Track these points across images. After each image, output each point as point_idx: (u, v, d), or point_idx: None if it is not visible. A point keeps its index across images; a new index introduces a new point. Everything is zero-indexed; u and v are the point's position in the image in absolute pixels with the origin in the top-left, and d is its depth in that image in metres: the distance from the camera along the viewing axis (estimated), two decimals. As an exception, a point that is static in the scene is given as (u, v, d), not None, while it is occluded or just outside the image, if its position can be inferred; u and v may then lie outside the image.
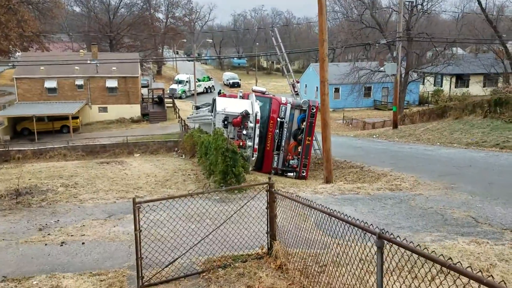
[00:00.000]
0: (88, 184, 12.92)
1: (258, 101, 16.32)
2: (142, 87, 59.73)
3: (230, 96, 18.73)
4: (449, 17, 63.16)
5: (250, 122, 15.67)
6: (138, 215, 6.11)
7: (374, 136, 30.91)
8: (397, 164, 15.73)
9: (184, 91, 69.69)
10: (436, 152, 19.14)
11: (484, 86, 62.21)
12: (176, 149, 28.57)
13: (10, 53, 64.58)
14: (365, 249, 4.96)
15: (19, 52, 60.78)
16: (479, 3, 40.61)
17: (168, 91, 64.32)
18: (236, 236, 7.16)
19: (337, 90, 58.96)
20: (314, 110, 16.88)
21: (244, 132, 15.56)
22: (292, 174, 16.97)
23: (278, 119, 17.11)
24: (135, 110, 49.92)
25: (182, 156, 26.63)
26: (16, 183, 12.18)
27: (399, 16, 31.10)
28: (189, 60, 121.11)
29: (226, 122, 15.53)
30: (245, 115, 15.39)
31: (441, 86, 62.35)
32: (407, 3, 39.65)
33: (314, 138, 18.03)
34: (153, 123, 49.22)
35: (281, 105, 17.16)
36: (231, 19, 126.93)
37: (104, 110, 48.45)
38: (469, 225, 8.15)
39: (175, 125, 46.18)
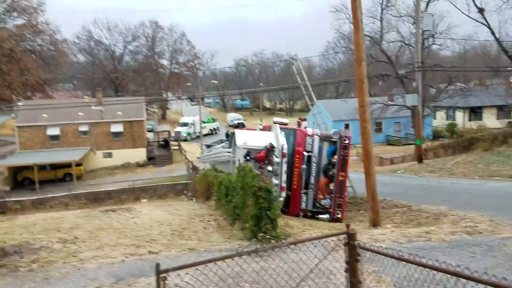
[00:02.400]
0: (91, 238, 10.71)
1: (283, 133, 14.35)
2: (148, 131, 58.40)
3: (249, 130, 16.77)
4: (450, 53, 62.06)
5: (276, 156, 13.64)
6: (165, 292, 3.99)
7: (398, 171, 28.67)
8: (450, 201, 13.52)
9: (189, 134, 68.45)
10: (484, 186, 16.96)
11: (497, 118, 60.55)
12: (185, 192, 26.44)
13: (13, 102, 63.68)
14: None
15: (22, 101, 59.79)
16: (492, 33, 39.39)
17: (173, 134, 62.95)
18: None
19: (347, 126, 57.20)
20: (347, 141, 14.85)
21: (269, 168, 13.48)
22: (325, 216, 14.72)
23: (305, 153, 15.03)
24: (140, 154, 48.16)
25: (192, 199, 24.47)
26: (3, 240, 10.05)
27: (417, 46, 29.73)
28: (193, 98, 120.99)
29: (248, 158, 13.49)
30: (270, 149, 13.37)
31: (454, 120, 60.58)
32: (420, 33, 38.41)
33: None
34: (159, 166, 47.39)
35: (307, 137, 15.14)
36: (233, 63, 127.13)
37: (109, 155, 46.69)
38: None
39: (181, 168, 44.25)
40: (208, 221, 12.64)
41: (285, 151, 13.59)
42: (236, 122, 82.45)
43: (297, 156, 14.94)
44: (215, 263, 4.50)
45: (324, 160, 15.22)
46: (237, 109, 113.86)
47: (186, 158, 41.82)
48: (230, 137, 16.19)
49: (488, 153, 27.08)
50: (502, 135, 26.97)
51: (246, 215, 10.05)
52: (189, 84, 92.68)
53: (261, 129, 16.09)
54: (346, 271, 4.93)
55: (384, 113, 46.50)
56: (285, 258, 6.46)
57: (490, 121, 57.98)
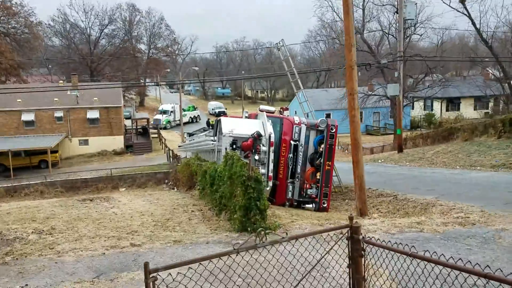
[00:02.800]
0: (68, 229, 10.15)
1: (270, 121, 13.97)
2: (125, 118, 57.19)
3: (235, 117, 16.35)
4: (428, 44, 62.68)
5: (263, 145, 13.28)
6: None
7: (379, 161, 28.74)
8: (436, 191, 13.43)
9: (169, 121, 67.35)
10: (466, 176, 16.98)
11: (475, 109, 61.51)
12: (166, 181, 25.90)
13: (-15, 86, 61.43)
14: None
15: (-6, 85, 57.76)
16: (473, 23, 39.65)
17: (152, 122, 61.83)
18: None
19: (328, 116, 57.27)
20: (334, 130, 14.58)
21: (256, 157, 13.13)
22: (310, 205, 14.47)
23: (292, 142, 14.70)
24: (118, 142, 47.10)
25: (174, 188, 23.97)
26: (-26, 231, 9.44)
27: (400, 35, 29.67)
28: (172, 86, 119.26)
29: (234, 147, 13.08)
30: (257, 138, 13.00)
31: (432, 110, 61.25)
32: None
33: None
34: (138, 155, 46.46)
35: (294, 126, 14.80)
36: (214, 50, 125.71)
37: (85, 142, 45.51)
38: None
39: (161, 157, 43.52)
40: (192, 211, 12.20)
41: (273, 140, 13.24)
42: (217, 110, 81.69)
43: (284, 145, 14.61)
44: (210, 261, 4.10)
45: (311, 149, 14.93)
46: (218, 97, 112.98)
47: (166, 146, 41.06)
48: (215, 124, 15.73)
49: (468, 143, 27.28)
50: (483, 126, 27.19)
51: (233, 205, 9.69)
52: (168, 70, 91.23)
53: (246, 117, 15.68)
54: (348, 266, 4.62)
55: (364, 103, 46.59)
56: (280, 250, 6.13)
57: (468, 111, 58.86)
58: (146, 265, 3.70)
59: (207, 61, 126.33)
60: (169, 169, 28.34)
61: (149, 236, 8.85)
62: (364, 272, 4.54)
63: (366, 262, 5.29)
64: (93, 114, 45.36)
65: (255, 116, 15.66)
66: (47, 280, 6.77)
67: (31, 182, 26.62)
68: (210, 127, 49.43)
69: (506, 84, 40.58)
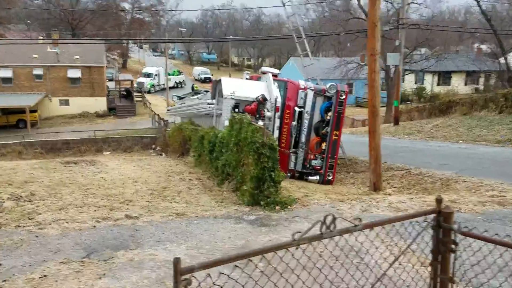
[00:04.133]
0: (51, 195, 8.86)
1: (276, 84, 12.69)
2: (107, 80, 54.91)
3: (236, 79, 14.96)
4: (418, 18, 61.42)
5: (267, 110, 12.05)
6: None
7: (375, 133, 27.80)
8: (450, 165, 12.49)
9: (153, 85, 65.13)
10: (476, 150, 16.15)
11: (465, 84, 61.04)
12: (153, 146, 24.55)
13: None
14: None
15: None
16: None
17: (135, 85, 59.63)
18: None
19: (318, 85, 56.10)
20: (344, 96, 13.40)
21: (260, 123, 11.90)
22: (315, 177, 13.42)
23: (296, 109, 13.48)
24: (100, 104, 45.18)
25: (162, 154, 22.70)
26: None
27: (403, 0, 28.17)
28: (155, 49, 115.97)
29: (236, 110, 11.82)
30: (262, 101, 11.76)
31: (423, 84, 60.51)
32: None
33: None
34: (121, 118, 44.73)
35: (300, 91, 13.54)
36: (199, 13, 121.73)
37: (66, 103, 43.47)
38: None
39: (146, 121, 41.91)
40: (190, 179, 11.02)
41: (279, 104, 12.02)
42: (203, 76, 79.65)
43: (287, 111, 13.37)
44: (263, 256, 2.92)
45: (317, 117, 13.76)
46: (204, 63, 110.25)
47: (152, 110, 39.40)
48: (213, 86, 14.35)
49: (467, 117, 26.50)
50: (483, 100, 26.36)
51: (239, 175, 8.55)
52: (152, 31, 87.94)
53: (247, 79, 14.36)
54: (431, 264, 3.53)
55: (357, 74, 45.40)
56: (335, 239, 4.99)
57: (459, 86, 58.38)
58: (176, 261, 2.49)
59: (193, 25, 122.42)
60: (156, 133, 26.93)
61: (146, 207, 7.66)
62: (453, 273, 3.47)
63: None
64: (74, 73, 43.15)
65: (256, 79, 14.35)
66: (26, 259, 5.57)
67: (8, 142, 24.94)
68: (193, 93, 47.82)
69: (503, 59, 39.73)
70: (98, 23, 69.45)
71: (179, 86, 70.38)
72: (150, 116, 38.82)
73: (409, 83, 61.90)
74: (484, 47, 66.19)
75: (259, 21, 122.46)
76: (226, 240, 6.00)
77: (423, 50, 53.55)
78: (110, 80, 57.36)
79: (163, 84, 66.25)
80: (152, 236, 6.21)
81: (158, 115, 34.13)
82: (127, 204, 7.88)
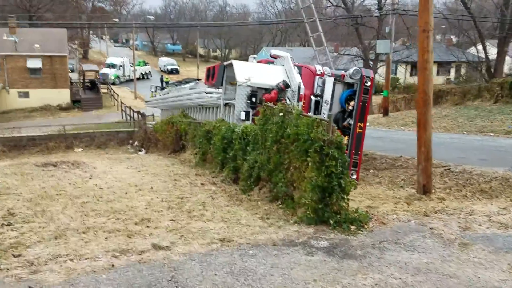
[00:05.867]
0: (37, 214, 6.52)
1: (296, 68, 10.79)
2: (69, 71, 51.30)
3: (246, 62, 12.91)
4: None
5: (288, 99, 10.18)
6: None
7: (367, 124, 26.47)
8: (489, 161, 11.09)
9: (117, 76, 61.57)
10: (502, 143, 14.94)
11: (438, 74, 61.15)
12: (131, 141, 22.20)
13: None
14: None
15: None
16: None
17: (99, 76, 56.17)
18: None
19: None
20: (369, 83, 11.66)
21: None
22: (336, 177, 11.66)
23: (312, 98, 11.66)
24: (63, 96, 41.86)
25: (141, 150, 20.44)
26: None
27: (393, -14, 26.84)
28: (117, 39, 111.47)
29: (254, 100, 9.88)
30: (284, 88, 9.86)
31: (396, 74, 60.10)
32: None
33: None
34: (86, 111, 41.67)
35: (316, 77, 11.73)
36: (161, 3, 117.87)
37: (26, 95, 39.93)
38: None
39: (114, 114, 39.14)
40: (202, 184, 8.99)
41: (302, 92, 10.16)
42: (169, 67, 76.69)
43: (303, 101, 11.54)
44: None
45: (336, 107, 12.00)
46: (168, 54, 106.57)
47: (122, 103, 36.61)
48: (219, 72, 12.27)
49: (461, 107, 25.63)
50: (476, 89, 25.51)
51: (283, 181, 6.67)
52: (116, 20, 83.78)
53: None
54: None
55: (336, 65, 44.03)
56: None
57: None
58: None
59: (156, 15, 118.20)
60: (130, 127, 24.49)
61: (175, 230, 5.63)
62: None
63: None
64: (34, 63, 39.62)
65: (266, 63, 12.40)
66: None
67: (-39, 139, 21.92)
68: (162, 84, 45.09)
69: (482, 48, 39.35)
70: (58, 11, 65.28)
71: (146, 77, 67.35)
72: (121, 108, 36.01)
73: (382, 74, 61.45)
74: (453, 37, 66.79)
75: (223, 12, 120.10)
76: (313, 286, 4.16)
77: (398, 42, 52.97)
78: (71, 71, 53.74)
79: (128, 76, 62.94)
80: (202, 281, 4.25)
81: (130, 107, 31.54)
82: (147, 226, 5.81)
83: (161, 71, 76.21)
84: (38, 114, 38.99)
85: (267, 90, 10.11)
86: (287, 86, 10.05)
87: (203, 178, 9.63)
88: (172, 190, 8.22)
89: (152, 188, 8.38)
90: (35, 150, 20.85)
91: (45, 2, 63.79)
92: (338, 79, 12.00)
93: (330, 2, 42.16)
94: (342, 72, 12.32)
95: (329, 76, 11.91)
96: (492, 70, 36.02)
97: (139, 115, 24.23)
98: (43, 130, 22.83)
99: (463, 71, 59.43)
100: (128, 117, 31.07)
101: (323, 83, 11.77)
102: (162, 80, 56.92)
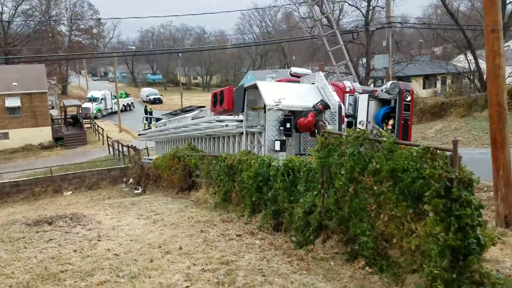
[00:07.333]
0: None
1: (330, 86, 9.25)
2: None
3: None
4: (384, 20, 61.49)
5: (327, 122, 8.60)
6: None
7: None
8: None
9: (99, 110, 59.74)
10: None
11: (424, 88, 60.96)
12: (125, 179, 20.29)
13: None
14: None
15: None
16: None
17: (80, 111, 54.16)
18: None
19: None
20: (409, 98, 10.24)
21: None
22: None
23: (344, 118, 10.15)
24: (45, 134, 39.76)
25: (138, 189, 18.57)
26: None
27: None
28: (95, 73, 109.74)
29: (288, 126, 8.28)
30: (323, 110, 8.30)
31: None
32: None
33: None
34: (70, 148, 39.60)
35: (347, 95, 10.27)
36: (138, 35, 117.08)
37: (5, 136, 37.72)
38: None
39: (99, 149, 37.14)
40: (237, 235, 7.19)
41: (343, 113, 8.61)
42: (152, 97, 75.37)
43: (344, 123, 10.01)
44: None
45: (371, 127, 10.49)
46: (149, 83, 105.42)
47: (108, 137, 34.66)
48: (236, 95, 10.66)
49: (469, 119, 24.51)
50: (484, 99, 24.41)
51: (367, 234, 4.99)
52: (94, 53, 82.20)
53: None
54: None
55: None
56: None
57: (417, 90, 58.01)
58: None
59: (135, 46, 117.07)
60: (125, 163, 22.59)
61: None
62: None
63: None
64: (13, 102, 37.62)
65: (287, 82, 10.86)
66: None
67: None
68: (148, 116, 43.33)
69: (473, 58, 38.83)
70: (35, 47, 63.59)
71: (128, 109, 65.80)
72: (108, 143, 34.03)
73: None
74: (437, 49, 67.02)
75: (200, 39, 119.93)
76: None
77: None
78: (51, 107, 51.69)
79: (111, 108, 61.17)
80: None
81: (118, 141, 29.65)
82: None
83: (144, 101, 74.70)
84: (20, 155, 36.75)
85: (302, 113, 8.56)
86: (326, 106, 8.52)
87: (234, 226, 7.87)
88: (206, 249, 6.34)
89: (180, 248, 6.46)
90: (20, 197, 18.79)
91: (20, 39, 62.10)
92: (371, 95, 10.55)
93: (314, 20, 41.39)
94: (373, 88, 10.88)
95: (360, 92, 10.45)
96: (485, 80, 35.38)
97: (132, 149, 22.36)
98: (27, 173, 20.78)
99: (448, 82, 59.46)
100: (117, 152, 29.19)
101: (355, 101, 10.31)
102: (146, 111, 55.16)
